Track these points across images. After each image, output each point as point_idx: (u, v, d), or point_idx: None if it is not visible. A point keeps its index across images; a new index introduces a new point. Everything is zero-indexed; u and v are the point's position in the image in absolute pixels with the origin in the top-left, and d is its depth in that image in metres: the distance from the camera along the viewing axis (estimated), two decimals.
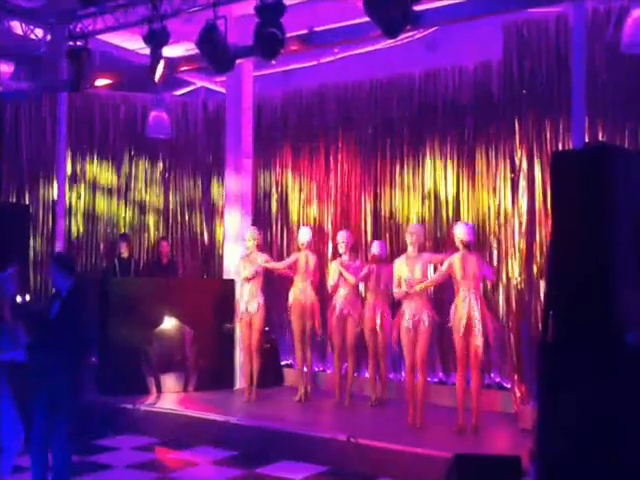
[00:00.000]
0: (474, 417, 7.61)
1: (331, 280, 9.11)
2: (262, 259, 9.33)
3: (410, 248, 8.07)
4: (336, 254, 9.62)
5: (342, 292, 9.01)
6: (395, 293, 8.11)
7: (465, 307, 7.57)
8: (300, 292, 9.25)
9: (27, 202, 10.82)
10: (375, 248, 8.97)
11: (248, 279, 9.23)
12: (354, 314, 8.98)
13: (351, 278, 8.90)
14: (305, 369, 9.44)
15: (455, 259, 7.72)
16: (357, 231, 10.15)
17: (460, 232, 7.78)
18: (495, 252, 8.89)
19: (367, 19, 6.15)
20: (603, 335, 4.29)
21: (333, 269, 9.15)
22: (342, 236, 9.15)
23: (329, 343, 9.98)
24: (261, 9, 6.50)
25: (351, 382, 9.08)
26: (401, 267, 8.02)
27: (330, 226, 10.59)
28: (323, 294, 9.58)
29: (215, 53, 7.02)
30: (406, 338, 7.89)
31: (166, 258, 11.14)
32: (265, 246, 11.10)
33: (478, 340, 7.53)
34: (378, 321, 8.77)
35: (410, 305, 7.90)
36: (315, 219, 10.75)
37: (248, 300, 9.25)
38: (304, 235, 9.36)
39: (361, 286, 9.31)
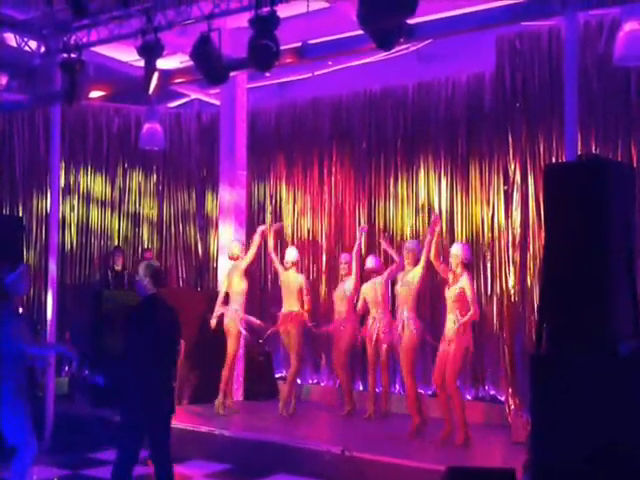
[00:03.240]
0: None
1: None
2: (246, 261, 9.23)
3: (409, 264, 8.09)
4: (329, 267, 9.64)
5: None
6: None
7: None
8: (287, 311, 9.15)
9: (20, 214, 10.82)
10: (370, 262, 9.01)
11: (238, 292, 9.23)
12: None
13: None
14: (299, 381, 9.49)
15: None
16: (351, 244, 10.15)
17: (459, 250, 7.73)
18: (489, 264, 8.91)
19: (361, 32, 6.16)
20: (597, 347, 4.29)
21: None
22: (345, 258, 9.21)
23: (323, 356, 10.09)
24: (255, 21, 6.50)
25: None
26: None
27: (324, 238, 10.59)
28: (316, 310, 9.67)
29: (209, 65, 7.01)
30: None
31: None
32: (259, 258, 11.12)
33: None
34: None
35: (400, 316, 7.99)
36: (309, 231, 10.75)
37: (231, 314, 9.16)
38: (291, 255, 9.27)
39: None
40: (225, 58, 7.12)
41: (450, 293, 7.64)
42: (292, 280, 9.15)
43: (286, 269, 9.23)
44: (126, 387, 5.54)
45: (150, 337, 5.52)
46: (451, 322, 7.57)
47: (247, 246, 9.39)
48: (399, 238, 9.84)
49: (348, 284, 9.08)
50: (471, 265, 8.03)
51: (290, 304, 9.09)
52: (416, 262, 7.99)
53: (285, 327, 9.07)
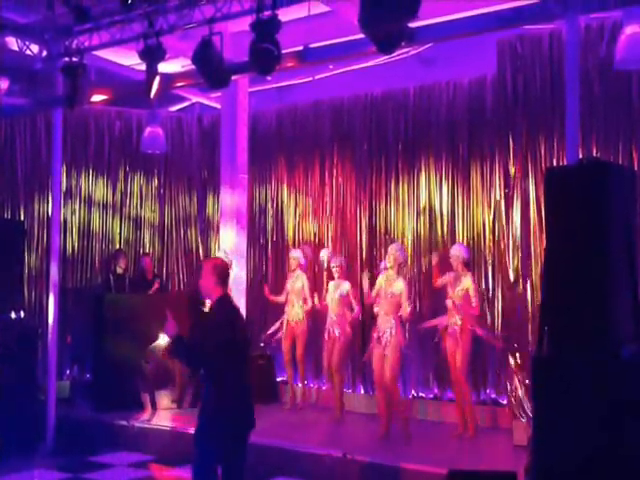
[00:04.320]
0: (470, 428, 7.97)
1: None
2: None
3: (393, 268, 8.16)
4: (330, 269, 9.63)
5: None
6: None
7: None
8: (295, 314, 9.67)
9: (22, 218, 10.83)
10: (382, 264, 9.03)
11: None
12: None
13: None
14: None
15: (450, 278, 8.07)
16: (353, 246, 10.17)
17: (459, 251, 8.07)
18: (490, 267, 8.91)
19: (362, 36, 6.16)
20: (598, 348, 4.30)
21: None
22: (337, 261, 9.24)
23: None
24: (256, 25, 6.50)
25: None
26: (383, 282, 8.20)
27: (325, 241, 10.59)
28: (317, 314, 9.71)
29: (210, 69, 7.02)
30: (376, 354, 8.06)
31: (150, 273, 11.22)
32: (261, 261, 11.14)
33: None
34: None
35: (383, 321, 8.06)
36: (310, 234, 10.75)
37: None
38: (299, 255, 9.58)
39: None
40: (226, 62, 7.12)
41: (455, 295, 7.78)
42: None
43: (293, 270, 9.71)
44: (206, 400, 5.18)
45: (232, 344, 5.12)
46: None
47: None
48: (400, 241, 9.82)
49: (343, 287, 9.11)
50: (470, 264, 8.20)
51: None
52: (398, 267, 8.12)
53: None
